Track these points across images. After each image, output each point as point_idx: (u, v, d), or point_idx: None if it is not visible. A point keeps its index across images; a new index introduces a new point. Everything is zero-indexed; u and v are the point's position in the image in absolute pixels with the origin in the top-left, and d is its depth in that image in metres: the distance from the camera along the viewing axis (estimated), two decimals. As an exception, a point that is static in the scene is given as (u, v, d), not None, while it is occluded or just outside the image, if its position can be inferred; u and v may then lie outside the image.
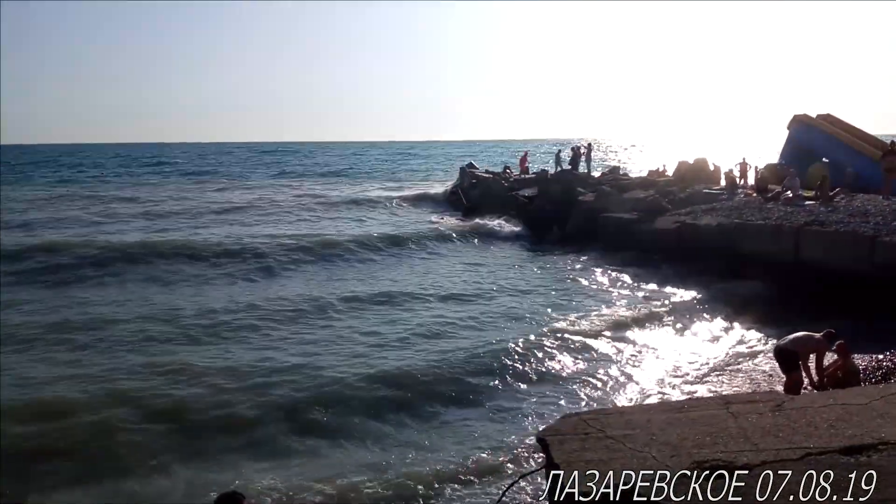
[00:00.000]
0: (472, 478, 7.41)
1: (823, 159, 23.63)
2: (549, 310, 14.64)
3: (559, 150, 33.09)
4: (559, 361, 11.44)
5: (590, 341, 12.42)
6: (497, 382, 10.47)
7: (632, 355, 11.86)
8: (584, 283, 17.60)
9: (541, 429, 4.83)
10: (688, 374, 10.85)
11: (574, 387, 10.31)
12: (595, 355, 11.82)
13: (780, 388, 9.27)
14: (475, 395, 9.92)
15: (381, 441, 8.45)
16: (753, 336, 12.85)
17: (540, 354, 11.60)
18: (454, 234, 24.67)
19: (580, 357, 11.69)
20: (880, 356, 10.49)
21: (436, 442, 8.40)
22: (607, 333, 12.97)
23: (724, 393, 9.46)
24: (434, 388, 10.00)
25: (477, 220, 28.40)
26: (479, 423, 8.97)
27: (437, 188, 42.67)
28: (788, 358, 8.86)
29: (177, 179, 55.83)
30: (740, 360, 11.57)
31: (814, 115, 26.27)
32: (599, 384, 10.46)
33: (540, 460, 4.48)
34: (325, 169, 72.35)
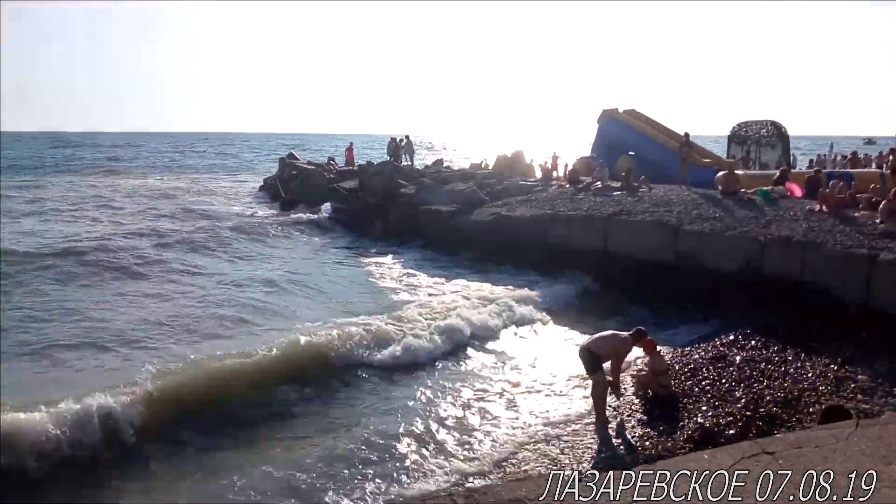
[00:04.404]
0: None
1: (630, 152, 24.45)
2: (341, 312, 12.81)
3: (392, 140, 31.56)
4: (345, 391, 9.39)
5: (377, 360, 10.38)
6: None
7: (444, 378, 9.82)
8: (395, 282, 15.90)
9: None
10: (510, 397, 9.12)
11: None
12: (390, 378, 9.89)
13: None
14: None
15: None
16: (571, 335, 12.03)
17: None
18: (259, 229, 21.75)
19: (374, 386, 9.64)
20: (687, 348, 10.19)
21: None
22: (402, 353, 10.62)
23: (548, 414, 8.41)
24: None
25: (291, 214, 26.47)
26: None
27: (257, 179, 39.96)
28: (591, 359, 8.13)
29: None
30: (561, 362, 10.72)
31: (620, 110, 27.31)
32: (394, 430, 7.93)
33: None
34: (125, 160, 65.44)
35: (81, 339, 10.30)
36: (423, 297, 14.32)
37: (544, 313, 13.20)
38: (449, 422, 8.18)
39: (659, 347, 9.02)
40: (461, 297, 14.02)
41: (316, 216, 25.16)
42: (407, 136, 31.28)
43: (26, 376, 8.84)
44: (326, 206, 25.87)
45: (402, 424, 7.95)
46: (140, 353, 9.69)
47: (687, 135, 21.73)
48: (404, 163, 30.34)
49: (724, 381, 8.58)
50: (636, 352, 8.95)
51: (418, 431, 7.82)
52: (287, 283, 14.69)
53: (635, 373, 9.04)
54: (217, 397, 8.39)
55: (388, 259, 18.53)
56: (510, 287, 14.64)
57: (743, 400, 7.84)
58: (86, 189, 35.76)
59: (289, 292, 13.91)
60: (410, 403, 8.77)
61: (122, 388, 7.95)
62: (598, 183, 19.16)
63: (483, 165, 29.22)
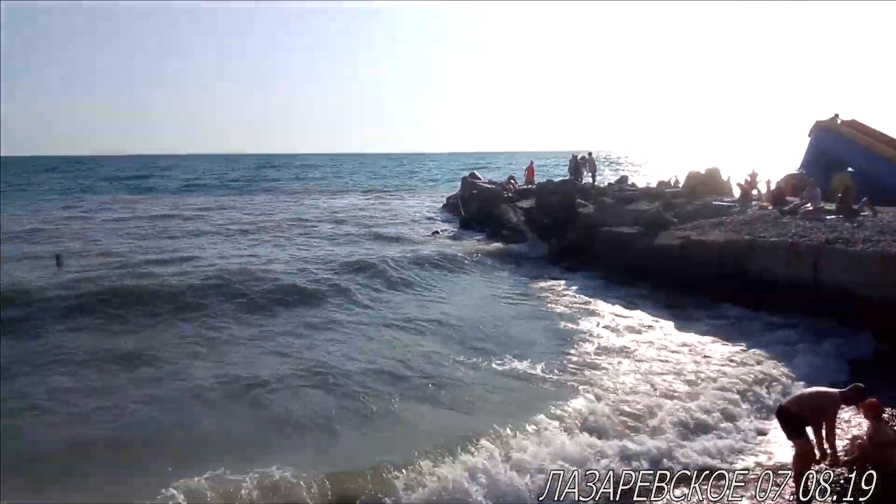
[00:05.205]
0: None
1: (848, 169, 21.39)
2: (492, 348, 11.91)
3: (573, 158, 30.61)
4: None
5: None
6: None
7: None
8: (557, 313, 14.67)
9: None
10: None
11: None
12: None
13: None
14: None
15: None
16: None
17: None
18: (433, 254, 21.07)
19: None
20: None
21: None
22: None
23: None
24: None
25: (467, 234, 26.81)
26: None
27: (440, 198, 41.18)
28: (792, 421, 6.77)
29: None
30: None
31: (839, 120, 24.05)
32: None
33: None
34: (331, 180, 70.88)
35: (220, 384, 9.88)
36: (607, 344, 12.35)
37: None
38: None
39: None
40: (668, 352, 11.72)
41: (490, 238, 25.11)
42: (590, 153, 30.19)
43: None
44: (504, 226, 25.74)
45: None
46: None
47: (924, 149, 18.47)
48: (585, 181, 29.28)
49: (977, 463, 6.73)
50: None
51: None
52: (452, 322, 13.67)
53: (851, 439, 7.45)
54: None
55: (561, 286, 17.63)
56: (731, 343, 12.11)
57: None
58: (271, 208, 38.90)
59: (450, 337, 12.57)
60: None
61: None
62: (809, 205, 16.78)
63: (672, 183, 27.25)
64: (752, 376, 10.23)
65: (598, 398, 9.25)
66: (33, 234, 26.08)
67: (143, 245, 22.87)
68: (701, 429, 8.56)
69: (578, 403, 8.95)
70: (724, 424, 8.74)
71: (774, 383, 10.07)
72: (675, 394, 9.48)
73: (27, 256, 20.42)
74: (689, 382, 10.09)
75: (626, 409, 8.87)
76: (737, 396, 9.49)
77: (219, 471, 6.89)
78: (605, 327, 13.46)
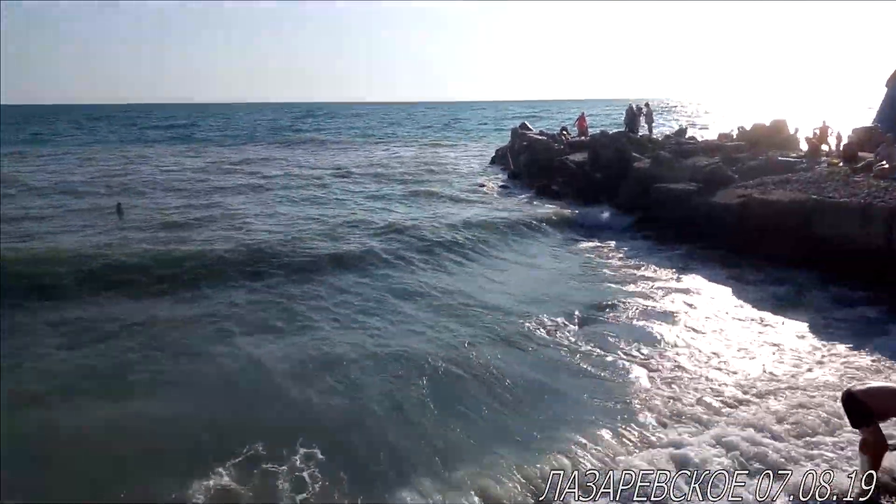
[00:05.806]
0: None
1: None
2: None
3: (630, 108, 29.24)
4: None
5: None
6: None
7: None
8: (604, 277, 14.04)
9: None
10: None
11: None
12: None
13: None
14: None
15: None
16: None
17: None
18: (478, 214, 20.29)
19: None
20: None
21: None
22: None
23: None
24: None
25: (516, 191, 26.15)
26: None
27: (488, 150, 40.40)
28: (858, 410, 6.20)
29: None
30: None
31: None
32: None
33: None
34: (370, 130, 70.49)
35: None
36: (660, 315, 11.48)
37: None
38: None
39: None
40: (728, 327, 10.82)
41: (539, 195, 24.45)
42: (647, 104, 28.85)
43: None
44: (554, 182, 25.01)
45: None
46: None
47: None
48: (642, 132, 28.09)
49: None
50: None
51: None
52: (497, 291, 12.98)
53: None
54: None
55: (612, 246, 17.00)
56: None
57: None
58: (314, 160, 38.74)
59: (495, 309, 11.73)
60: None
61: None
62: (884, 162, 15.58)
63: (735, 135, 25.87)
64: (836, 367, 9.12)
65: (660, 381, 8.81)
66: (85, 184, 26.76)
67: (186, 201, 22.92)
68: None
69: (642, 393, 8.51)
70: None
71: (866, 378, 8.52)
72: (746, 386, 8.67)
73: (82, 209, 20.92)
74: (765, 371, 9.17)
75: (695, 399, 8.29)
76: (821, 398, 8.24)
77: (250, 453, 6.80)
78: (658, 293, 12.75)
